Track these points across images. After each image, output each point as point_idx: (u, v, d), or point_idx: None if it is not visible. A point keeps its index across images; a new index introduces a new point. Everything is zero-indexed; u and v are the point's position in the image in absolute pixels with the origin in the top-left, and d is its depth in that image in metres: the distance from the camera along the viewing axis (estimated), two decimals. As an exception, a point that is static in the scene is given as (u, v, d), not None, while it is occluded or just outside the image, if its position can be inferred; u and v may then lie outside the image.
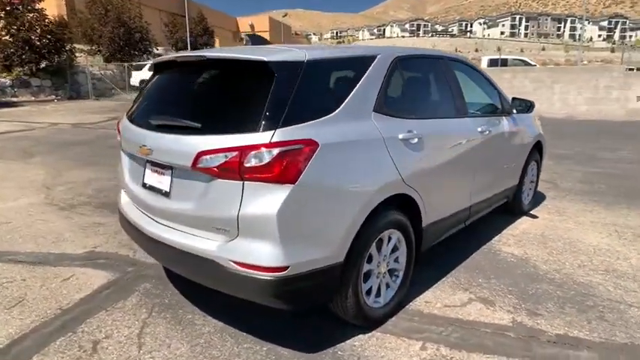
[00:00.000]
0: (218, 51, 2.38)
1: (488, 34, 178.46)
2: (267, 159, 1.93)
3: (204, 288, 2.85)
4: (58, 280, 3.13)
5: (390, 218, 2.46)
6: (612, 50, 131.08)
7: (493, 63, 18.64)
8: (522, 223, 4.37)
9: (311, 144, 2.01)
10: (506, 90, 16.63)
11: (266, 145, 1.94)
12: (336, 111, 2.22)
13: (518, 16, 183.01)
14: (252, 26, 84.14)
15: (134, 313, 2.70)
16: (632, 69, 18.29)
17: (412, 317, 2.68)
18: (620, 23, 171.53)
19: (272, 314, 2.63)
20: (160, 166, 2.37)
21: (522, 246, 3.80)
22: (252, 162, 1.94)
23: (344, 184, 2.16)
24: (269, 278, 2.00)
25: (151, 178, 2.44)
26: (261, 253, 1.99)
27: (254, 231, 2.00)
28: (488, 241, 3.91)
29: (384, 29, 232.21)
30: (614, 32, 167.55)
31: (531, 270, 3.34)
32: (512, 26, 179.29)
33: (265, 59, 2.07)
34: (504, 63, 18.50)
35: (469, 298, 2.91)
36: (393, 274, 2.68)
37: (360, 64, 2.48)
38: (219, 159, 2.00)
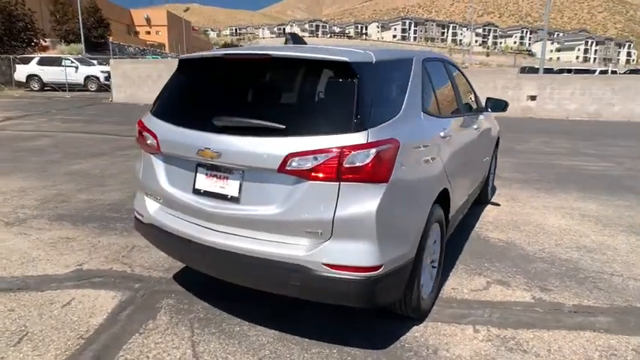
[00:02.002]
0: (284, 49, 2.26)
1: (383, 37, 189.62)
2: (367, 159, 1.93)
3: (235, 297, 2.74)
4: (57, 306, 2.72)
5: (437, 212, 2.59)
6: (487, 54, 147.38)
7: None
8: (491, 211, 4.83)
9: (395, 143, 2.05)
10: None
11: (365, 146, 1.93)
12: (401, 111, 2.28)
13: (407, 21, 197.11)
14: (148, 20, 78.85)
15: (174, 332, 2.47)
16: (525, 68, 20.86)
17: (450, 304, 2.85)
18: (492, 31, 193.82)
19: (317, 318, 2.62)
20: (222, 170, 2.20)
21: (503, 231, 4.20)
22: (351, 162, 1.92)
23: (417, 182, 2.24)
24: (364, 278, 1.99)
25: (208, 183, 2.25)
26: (358, 253, 1.98)
27: (350, 231, 1.98)
28: (471, 228, 4.26)
29: (284, 28, 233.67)
30: (488, 38, 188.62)
31: (521, 252, 3.73)
32: (403, 30, 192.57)
33: (348, 60, 2.05)
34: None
35: (487, 282, 3.16)
36: (432, 266, 2.81)
37: (407, 65, 2.57)
38: (313, 160, 1.94)
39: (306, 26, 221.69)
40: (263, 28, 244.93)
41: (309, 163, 1.95)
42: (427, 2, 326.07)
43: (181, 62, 2.62)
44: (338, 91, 2.10)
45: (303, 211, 2.00)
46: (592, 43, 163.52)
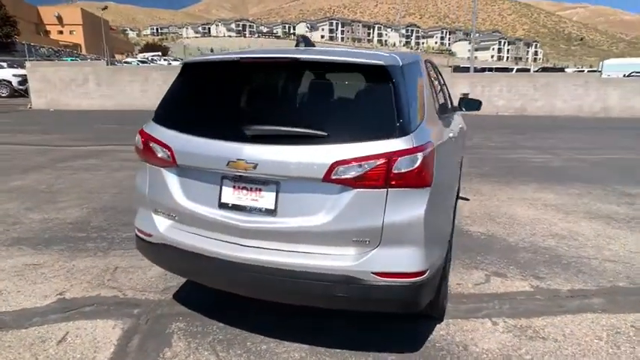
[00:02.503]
0: (309, 53, 2.16)
1: (311, 37, 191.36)
2: (414, 164, 1.91)
3: (247, 313, 2.63)
4: (51, 344, 2.42)
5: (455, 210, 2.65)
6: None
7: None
8: (464, 205, 5.05)
9: (432, 146, 2.06)
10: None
11: (412, 151, 1.92)
12: (425, 113, 2.30)
13: (335, 22, 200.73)
14: (59, 18, 72.89)
15: (197, 359, 2.30)
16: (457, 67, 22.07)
17: (461, 300, 2.93)
18: (414, 31, 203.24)
19: (341, 326, 2.59)
20: (254, 182, 2.07)
21: (482, 225, 4.41)
22: (400, 168, 1.90)
23: (446, 184, 2.28)
24: (412, 284, 1.99)
25: (236, 196, 2.10)
26: (407, 259, 1.97)
27: (398, 238, 1.96)
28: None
29: (210, 28, 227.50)
30: (411, 39, 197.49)
31: (504, 243, 3.94)
32: (331, 30, 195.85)
33: (383, 63, 2.02)
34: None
35: (486, 275, 3.30)
36: None
37: (419, 67, 2.59)
38: (361, 168, 1.89)
39: (233, 26, 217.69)
40: (187, 28, 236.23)
41: (356, 171, 1.90)
42: (352, 3, 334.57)
43: (187, 66, 2.43)
44: (376, 95, 2.06)
45: (349, 219, 1.95)
46: (504, 43, 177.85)
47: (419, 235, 1.97)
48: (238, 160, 2.01)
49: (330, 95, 2.20)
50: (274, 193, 2.04)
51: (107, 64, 21.23)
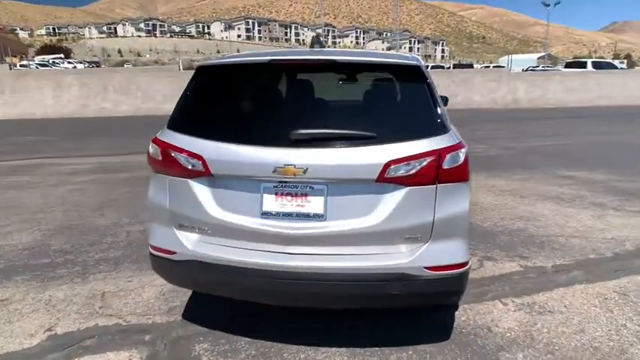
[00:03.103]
0: (339, 54, 2.13)
1: (227, 37, 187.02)
2: (460, 160, 2.00)
3: (270, 321, 2.59)
4: (64, 386, 2.15)
5: None
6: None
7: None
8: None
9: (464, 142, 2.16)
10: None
11: (457, 147, 2.00)
12: (445, 111, 2.39)
13: (251, 21, 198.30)
14: None
15: (238, 377, 2.19)
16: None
17: (466, 286, 3.10)
18: (330, 31, 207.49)
19: (366, 325, 2.62)
20: (300, 187, 2.01)
21: (454, 213, 4.67)
22: (448, 164, 1.96)
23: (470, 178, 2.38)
24: (459, 275, 2.07)
25: (280, 203, 2.02)
26: (454, 252, 2.05)
27: (446, 232, 2.03)
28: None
29: (116, 28, 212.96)
30: (328, 38, 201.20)
31: (481, 229, 4.22)
32: (247, 30, 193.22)
33: (417, 64, 2.07)
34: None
35: (478, 260, 3.52)
36: None
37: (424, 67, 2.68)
38: (413, 166, 1.92)
39: (142, 25, 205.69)
40: (90, 27, 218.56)
41: (409, 169, 1.93)
42: (267, 2, 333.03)
43: (205, 70, 2.28)
44: (414, 94, 2.11)
45: (402, 218, 1.98)
46: (415, 41, 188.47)
47: (464, 227, 2.07)
48: (286, 165, 1.94)
49: (369, 96, 2.20)
50: (322, 197, 2.00)
51: (10, 68, 19.05)
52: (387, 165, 1.92)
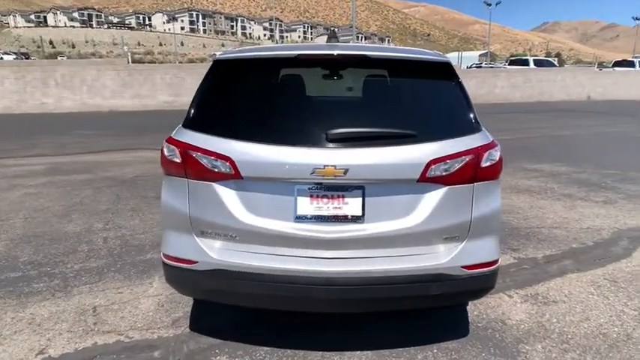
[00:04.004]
0: (367, 49, 2.04)
1: (170, 29, 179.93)
2: (496, 157, 2.00)
3: (283, 327, 2.53)
4: (74, 415, 1.94)
5: None
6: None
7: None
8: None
9: None
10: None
11: (492, 145, 2.01)
12: None
13: (195, 13, 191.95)
14: None
15: (268, 389, 2.08)
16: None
17: (469, 280, 3.15)
18: (278, 25, 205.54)
19: (388, 326, 2.60)
20: (335, 189, 1.92)
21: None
22: (486, 162, 1.96)
23: None
24: (492, 272, 2.09)
25: (315, 206, 1.92)
26: (489, 250, 2.06)
27: (482, 230, 2.03)
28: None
29: (46, 16, 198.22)
30: (275, 32, 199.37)
31: (467, 222, 4.32)
32: (191, 22, 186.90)
33: (448, 61, 2.05)
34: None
35: (473, 254, 3.59)
36: None
37: None
38: (454, 164, 1.90)
39: (76, 15, 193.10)
40: (15, 15, 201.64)
41: (449, 168, 1.91)
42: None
43: (226, 64, 2.12)
44: (447, 91, 2.09)
45: (442, 217, 1.95)
46: (362, 37, 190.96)
47: (497, 224, 2.08)
48: (326, 166, 1.85)
49: (403, 93, 2.14)
50: (360, 199, 1.93)
51: None
52: (429, 164, 1.89)
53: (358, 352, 2.34)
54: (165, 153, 2.06)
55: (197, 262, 2.04)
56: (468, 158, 1.93)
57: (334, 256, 1.96)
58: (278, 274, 1.96)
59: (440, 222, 1.96)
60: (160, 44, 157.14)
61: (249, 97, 2.10)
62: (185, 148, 2.00)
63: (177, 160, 2.01)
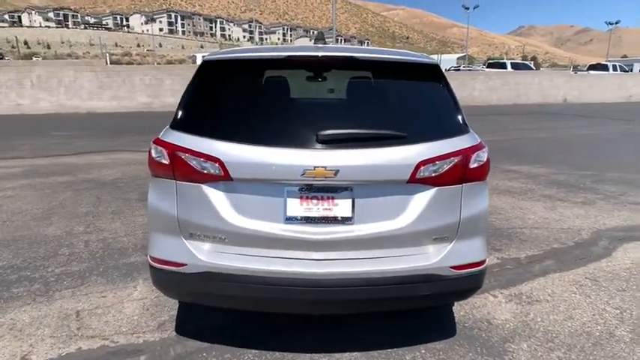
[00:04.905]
0: (356, 51, 2.05)
1: (148, 30, 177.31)
2: (484, 158, 2.04)
3: (268, 330, 2.58)
4: None
5: None
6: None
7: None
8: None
9: None
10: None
11: (480, 146, 2.04)
12: None
13: (174, 14, 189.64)
14: None
15: (259, 393, 2.06)
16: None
17: (455, 280, 3.20)
18: (257, 27, 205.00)
19: (373, 327, 2.61)
20: (325, 190, 1.92)
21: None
22: (474, 163, 1.99)
23: None
24: (480, 272, 2.12)
25: (305, 207, 1.91)
26: (476, 250, 2.09)
27: (470, 231, 2.05)
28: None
29: (20, 16, 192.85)
30: (254, 34, 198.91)
31: (451, 223, 4.38)
32: (170, 23, 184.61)
33: (435, 63, 2.08)
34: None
35: (458, 254, 3.64)
36: None
37: None
38: (442, 165, 1.92)
39: (51, 15, 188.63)
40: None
41: (438, 169, 1.93)
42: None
43: (213, 64, 2.10)
44: (435, 93, 2.11)
45: (431, 218, 1.97)
46: (341, 40, 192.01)
47: (485, 225, 2.12)
48: (317, 167, 1.85)
49: (391, 94, 2.15)
50: (350, 200, 1.94)
51: None
52: (419, 165, 1.91)
53: (347, 354, 2.34)
54: (153, 154, 2.03)
55: (185, 264, 2.02)
56: (456, 159, 1.96)
57: (324, 257, 1.96)
58: (267, 275, 1.94)
59: (429, 223, 1.98)
60: (138, 45, 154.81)
61: (239, 98, 2.08)
62: (173, 150, 1.97)
63: (165, 161, 1.98)
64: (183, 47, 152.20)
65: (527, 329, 2.59)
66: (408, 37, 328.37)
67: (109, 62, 21.21)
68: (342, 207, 1.94)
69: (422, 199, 1.97)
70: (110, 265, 3.41)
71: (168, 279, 2.08)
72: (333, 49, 2.10)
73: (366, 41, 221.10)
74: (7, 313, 2.72)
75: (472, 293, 2.24)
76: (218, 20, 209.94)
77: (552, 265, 3.46)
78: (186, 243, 2.02)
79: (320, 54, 2.01)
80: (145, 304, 2.83)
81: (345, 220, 1.95)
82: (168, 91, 16.08)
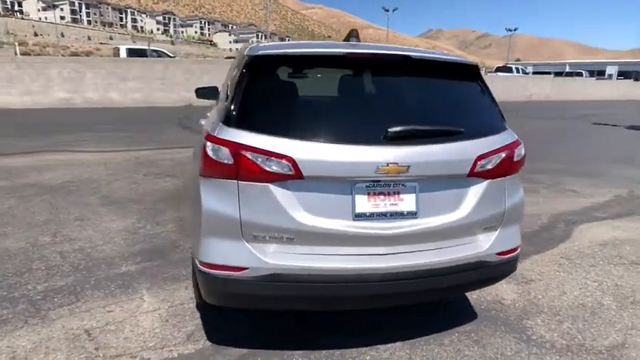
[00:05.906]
0: (417, 51, 2.13)
1: (47, 17, 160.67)
2: (522, 152, 2.23)
3: (307, 330, 2.59)
4: None
5: None
6: (172, 43, 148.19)
7: (132, 53, 18.20)
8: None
9: None
10: (159, 81, 17.87)
11: (519, 142, 2.22)
12: None
13: (77, 2, 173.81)
14: None
15: (323, 392, 2.05)
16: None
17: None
18: (172, 19, 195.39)
19: (400, 319, 2.74)
20: (394, 185, 1.96)
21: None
22: (517, 157, 2.17)
23: None
24: (515, 257, 2.31)
25: (372, 203, 1.94)
26: (514, 236, 2.30)
27: (511, 219, 2.23)
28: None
29: None
30: (169, 27, 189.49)
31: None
32: (73, 11, 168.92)
33: (476, 63, 2.21)
34: (143, 54, 18.46)
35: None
36: None
37: None
38: (495, 159, 2.07)
39: None
40: None
41: (492, 163, 2.08)
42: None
43: (271, 59, 2.04)
44: (479, 92, 2.25)
45: (484, 209, 2.11)
46: (262, 36, 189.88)
47: (521, 213, 2.32)
48: (390, 164, 1.89)
49: (444, 92, 2.23)
50: (414, 195, 2.01)
51: None
52: (477, 160, 2.04)
53: (389, 345, 2.41)
54: (211, 154, 1.92)
55: (247, 268, 1.94)
56: (504, 154, 2.13)
57: (389, 252, 2.01)
58: (335, 273, 1.95)
59: (482, 213, 2.13)
60: (36, 34, 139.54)
61: (301, 94, 2.06)
62: (237, 149, 1.88)
63: (228, 161, 1.88)
64: (89, 38, 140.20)
65: (534, 306, 2.86)
66: (329, 37, 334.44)
67: (18, 52, 18.95)
68: (407, 202, 2.00)
69: (476, 191, 2.10)
70: (101, 277, 3.13)
71: (226, 286, 1.98)
72: (387, 48, 2.16)
73: (286, 38, 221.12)
74: (5, 338, 2.39)
75: (507, 276, 2.43)
76: (129, 10, 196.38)
77: (530, 248, 3.83)
78: (248, 246, 1.94)
79: (378, 52, 2.05)
80: (162, 316, 2.65)
81: (411, 215, 2.02)
82: (90, 86, 14.84)
